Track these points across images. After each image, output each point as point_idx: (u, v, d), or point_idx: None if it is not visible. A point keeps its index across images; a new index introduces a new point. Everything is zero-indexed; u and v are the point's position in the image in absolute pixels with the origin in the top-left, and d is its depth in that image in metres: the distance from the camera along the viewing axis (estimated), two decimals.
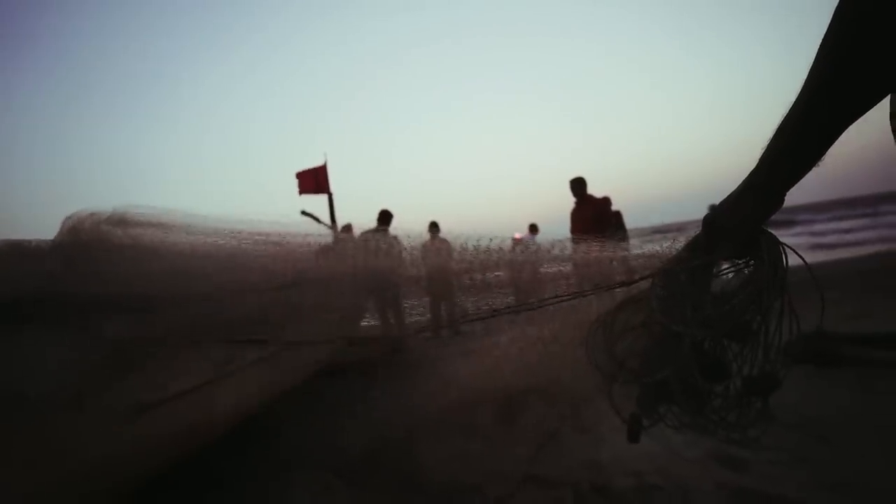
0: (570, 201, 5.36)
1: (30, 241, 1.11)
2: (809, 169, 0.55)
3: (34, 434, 1.07)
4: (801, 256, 0.67)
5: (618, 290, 0.84)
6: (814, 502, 1.41)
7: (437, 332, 5.10)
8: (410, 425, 2.24)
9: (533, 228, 7.38)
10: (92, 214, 1.20)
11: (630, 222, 6.06)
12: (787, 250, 0.64)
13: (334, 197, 5.14)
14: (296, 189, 5.24)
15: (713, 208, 0.63)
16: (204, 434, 1.65)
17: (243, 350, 1.78)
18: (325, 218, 4.83)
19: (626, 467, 1.75)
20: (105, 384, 1.23)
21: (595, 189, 5.38)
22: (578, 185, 5.30)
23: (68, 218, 1.17)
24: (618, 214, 6.17)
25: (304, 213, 4.41)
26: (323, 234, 2.36)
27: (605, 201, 6.12)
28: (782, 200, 0.58)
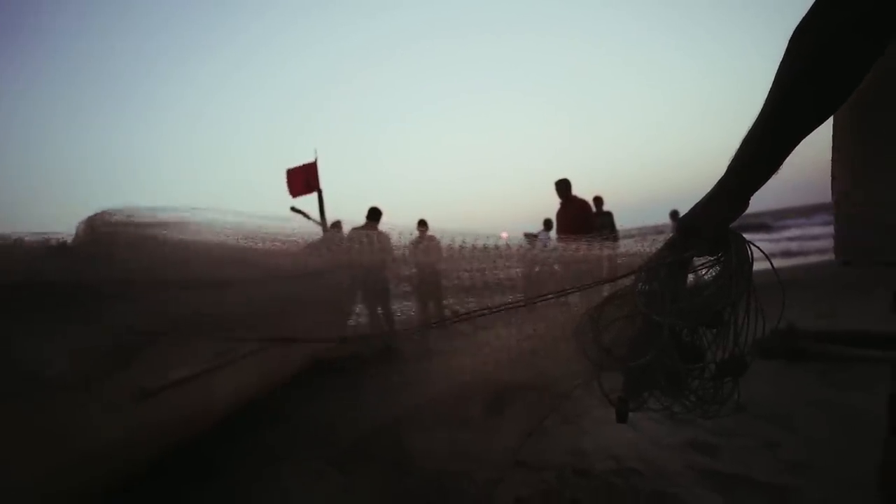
0: (558, 201, 5.50)
1: (51, 235, 1.16)
2: (770, 176, 0.64)
3: (46, 414, 1.12)
4: (763, 253, 0.76)
5: (604, 286, 0.92)
6: (778, 481, 1.52)
7: (426, 328, 5.16)
8: (400, 416, 2.31)
9: (547, 224, 7.20)
10: (108, 213, 1.26)
11: (624, 223, 6.25)
12: (753, 248, 0.73)
13: (324, 194, 5.18)
14: (285, 186, 5.25)
15: (674, 214, 0.72)
16: (202, 421, 1.70)
17: (240, 342, 1.83)
18: (315, 215, 4.86)
19: (607, 453, 1.85)
20: (110, 371, 1.28)
21: (586, 190, 5.51)
22: (563, 187, 5.43)
23: (87, 218, 1.22)
24: (609, 214, 6.34)
25: (293, 209, 4.44)
26: (313, 230, 2.41)
27: (597, 200, 6.27)
28: (747, 203, 0.67)
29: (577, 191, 5.46)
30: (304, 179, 5.12)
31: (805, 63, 0.55)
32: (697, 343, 0.76)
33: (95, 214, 1.26)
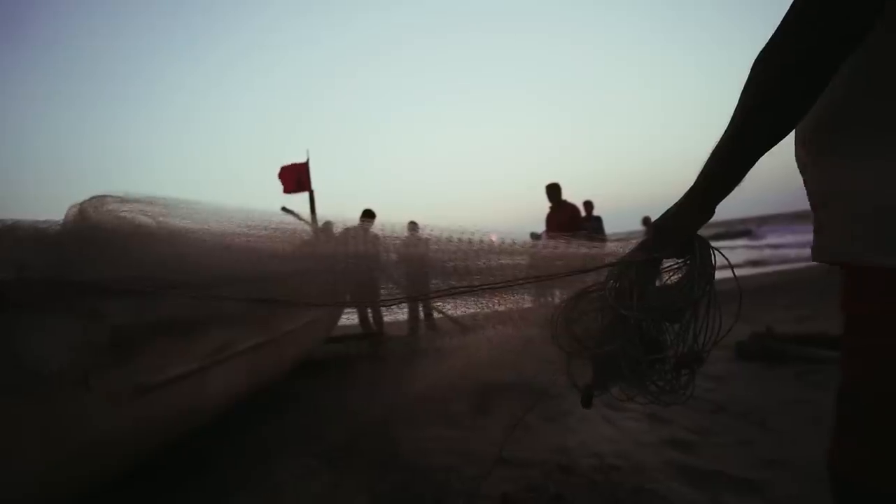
0: (548, 205, 5.61)
1: (44, 223, 1.19)
2: (733, 189, 0.70)
3: (44, 408, 1.14)
4: (726, 259, 0.82)
5: (578, 281, 0.98)
6: (752, 476, 1.60)
7: (414, 328, 5.20)
8: (389, 414, 2.36)
9: None
10: (99, 199, 1.28)
11: (624, 227, 6.39)
12: (717, 253, 0.79)
13: (315, 194, 5.20)
14: (275, 186, 5.26)
15: (646, 220, 0.78)
16: (197, 417, 1.73)
17: (233, 339, 1.86)
18: (306, 215, 4.88)
19: (589, 451, 1.91)
20: (109, 366, 1.30)
21: (588, 192, 5.61)
22: (554, 191, 5.54)
23: (80, 203, 1.25)
24: (598, 219, 6.47)
25: (284, 209, 4.46)
26: (304, 230, 2.44)
27: (587, 206, 6.38)
28: (713, 211, 0.73)
29: (575, 193, 5.58)
30: (296, 178, 5.15)
31: (765, 89, 0.61)
32: (661, 338, 0.82)
33: (88, 200, 1.28)
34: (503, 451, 1.90)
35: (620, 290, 0.83)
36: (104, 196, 1.35)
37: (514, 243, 1.20)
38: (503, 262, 1.17)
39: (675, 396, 0.80)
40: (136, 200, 1.43)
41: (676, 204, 0.74)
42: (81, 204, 1.31)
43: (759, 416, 2.11)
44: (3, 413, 1.08)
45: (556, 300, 1.08)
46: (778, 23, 0.61)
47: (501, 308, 1.32)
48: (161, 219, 1.48)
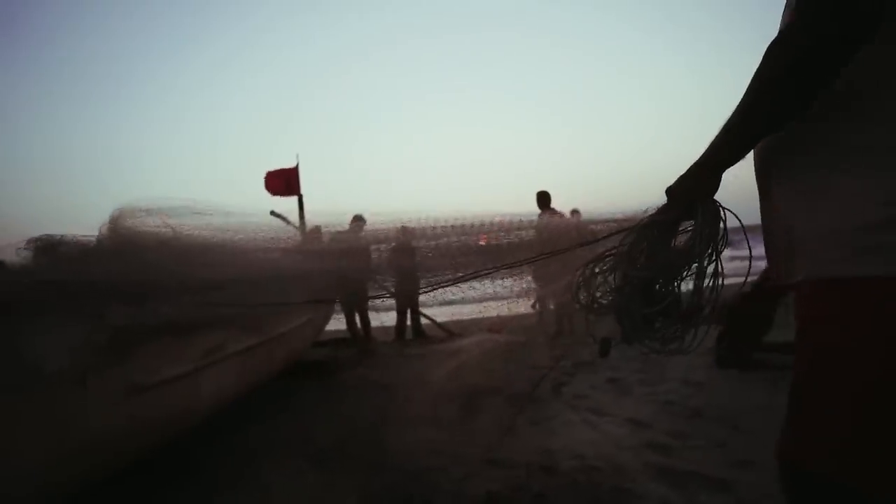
0: (537, 212, 5.72)
1: (73, 237, 1.23)
2: (735, 161, 0.76)
3: (44, 408, 1.17)
4: (736, 216, 0.87)
5: (600, 247, 1.06)
6: (725, 476, 1.68)
7: (401, 332, 5.23)
8: (379, 417, 2.40)
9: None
10: (128, 210, 1.33)
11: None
12: (727, 212, 0.84)
13: (304, 198, 5.20)
14: (264, 189, 5.24)
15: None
16: (191, 417, 1.75)
17: (227, 341, 1.90)
18: (295, 219, 4.87)
19: (572, 453, 1.98)
20: (105, 366, 1.33)
21: (567, 199, 5.71)
22: (543, 198, 5.66)
23: (110, 218, 1.29)
24: None
25: (273, 213, 4.45)
26: (293, 234, 2.48)
27: (574, 214, 6.54)
28: (720, 178, 0.78)
29: (568, 199, 5.69)
30: (284, 181, 5.12)
31: (767, 87, 0.67)
32: (666, 292, 0.88)
33: (116, 212, 1.33)
34: (491, 452, 1.96)
35: (631, 252, 0.90)
36: (131, 208, 1.40)
37: (522, 220, 1.24)
38: (511, 240, 1.22)
39: (679, 345, 0.88)
40: (160, 211, 1.48)
41: (687, 170, 0.80)
42: (111, 217, 1.36)
43: (733, 420, 2.20)
44: (2, 411, 1.11)
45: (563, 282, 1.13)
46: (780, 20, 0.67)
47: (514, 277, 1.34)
48: (179, 228, 1.53)
